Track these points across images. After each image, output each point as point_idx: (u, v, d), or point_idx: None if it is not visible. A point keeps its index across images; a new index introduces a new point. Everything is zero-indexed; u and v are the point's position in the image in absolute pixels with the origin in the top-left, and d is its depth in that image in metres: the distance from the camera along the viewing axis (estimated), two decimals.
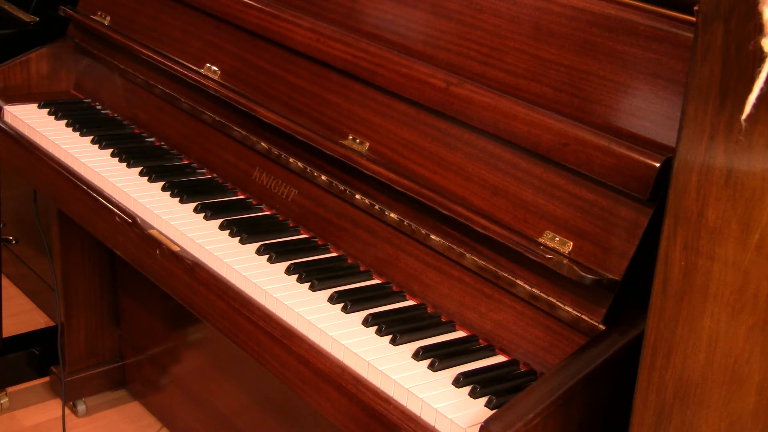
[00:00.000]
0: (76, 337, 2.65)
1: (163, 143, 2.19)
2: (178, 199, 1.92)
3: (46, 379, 2.74)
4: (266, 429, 2.20)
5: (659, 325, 1.13)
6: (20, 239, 2.94)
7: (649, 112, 1.44)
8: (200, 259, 1.73)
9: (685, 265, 1.09)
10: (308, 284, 1.62)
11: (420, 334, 1.51)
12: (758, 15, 0.98)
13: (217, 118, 2.05)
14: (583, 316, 1.41)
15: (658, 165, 1.34)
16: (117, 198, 1.95)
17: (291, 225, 1.84)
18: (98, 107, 2.39)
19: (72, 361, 2.66)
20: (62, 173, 2.08)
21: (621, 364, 1.32)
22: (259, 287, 1.61)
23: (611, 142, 1.41)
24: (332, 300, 1.58)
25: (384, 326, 1.50)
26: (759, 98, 1.00)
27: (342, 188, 1.77)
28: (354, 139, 1.77)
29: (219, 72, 2.07)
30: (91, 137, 2.18)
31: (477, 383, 1.38)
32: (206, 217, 1.85)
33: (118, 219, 1.91)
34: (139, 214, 1.89)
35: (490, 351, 1.50)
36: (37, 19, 2.56)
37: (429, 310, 1.60)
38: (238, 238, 1.77)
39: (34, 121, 2.25)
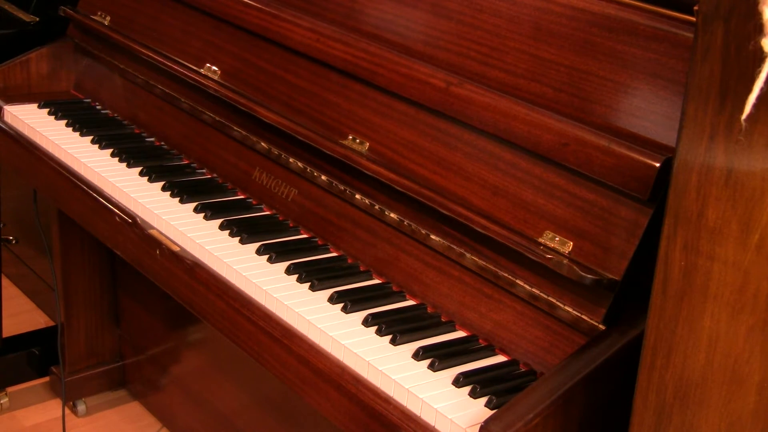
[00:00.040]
0: (76, 337, 2.65)
1: (163, 143, 2.19)
2: (178, 199, 1.92)
3: (46, 379, 2.74)
4: (266, 429, 2.20)
5: (659, 325, 1.13)
6: (20, 239, 2.94)
7: (649, 112, 1.44)
8: (200, 259, 1.73)
9: (685, 265, 1.09)
10: (308, 284, 1.62)
11: (420, 334, 1.51)
12: (758, 15, 0.98)
13: (217, 118, 2.05)
14: (583, 316, 1.41)
15: (658, 165, 1.34)
16: (117, 198, 1.95)
17: (291, 225, 1.84)
18: (98, 107, 2.39)
19: (72, 361, 2.66)
20: (62, 173, 2.08)
21: (621, 364, 1.32)
22: (259, 287, 1.61)
23: (611, 142, 1.41)
24: (332, 300, 1.58)
25: (384, 326, 1.50)
26: (759, 98, 1.00)
27: (342, 188, 1.77)
28: (354, 139, 1.77)
29: (219, 72, 2.07)
30: (91, 137, 2.18)
31: (477, 383, 1.38)
32: (206, 217, 1.85)
33: (118, 219, 1.91)
34: (139, 214, 1.89)
35: (490, 351, 1.50)
36: (37, 19, 2.56)
37: (429, 310, 1.60)
38: (238, 238, 1.77)
39: (34, 121, 2.25)
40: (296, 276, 1.64)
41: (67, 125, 2.25)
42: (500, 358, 1.49)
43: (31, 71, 2.43)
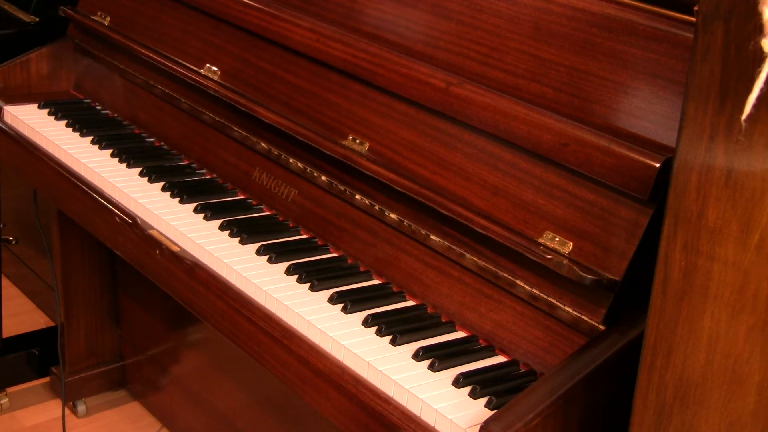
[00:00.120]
0: (76, 337, 2.65)
1: (163, 143, 2.19)
2: (178, 199, 1.92)
3: (46, 379, 2.74)
4: (266, 429, 2.20)
5: (659, 325, 1.13)
6: (20, 239, 2.94)
7: (649, 112, 1.44)
8: (200, 260, 1.73)
9: (685, 265, 1.09)
10: (308, 284, 1.62)
11: (420, 334, 1.51)
12: (758, 15, 0.98)
13: (217, 119, 2.05)
14: (583, 317, 1.41)
15: (658, 165, 1.34)
16: (117, 198, 1.95)
17: (291, 225, 1.84)
18: (98, 107, 2.39)
19: (72, 361, 2.66)
20: (62, 173, 2.08)
21: (621, 364, 1.32)
22: (259, 287, 1.61)
23: (611, 142, 1.41)
24: (332, 300, 1.58)
25: (384, 326, 1.50)
26: (759, 98, 1.00)
27: (342, 188, 1.77)
28: (354, 140, 1.77)
29: (219, 72, 2.07)
30: (91, 137, 2.18)
31: (477, 383, 1.38)
32: (206, 218, 1.85)
33: (118, 219, 1.91)
34: (139, 215, 1.89)
35: (490, 351, 1.50)
36: (37, 19, 2.56)
37: (429, 310, 1.60)
38: (238, 238, 1.77)
39: (34, 122, 2.25)
40: (296, 276, 1.64)
41: (67, 125, 2.25)
42: (500, 359, 1.49)
43: (31, 71, 2.43)
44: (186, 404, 2.49)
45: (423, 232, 1.62)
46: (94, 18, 2.40)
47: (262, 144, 1.94)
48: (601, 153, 1.41)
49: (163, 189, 1.96)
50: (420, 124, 1.68)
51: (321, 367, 1.46)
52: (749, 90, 1.00)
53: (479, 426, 1.23)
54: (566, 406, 1.26)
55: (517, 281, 1.49)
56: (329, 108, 1.84)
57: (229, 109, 2.02)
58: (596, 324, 1.39)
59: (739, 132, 1.02)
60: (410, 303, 1.62)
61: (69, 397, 2.66)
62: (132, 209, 1.91)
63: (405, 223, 1.65)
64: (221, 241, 1.76)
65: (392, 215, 1.68)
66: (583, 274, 1.38)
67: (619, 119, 1.47)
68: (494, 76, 1.64)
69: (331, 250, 1.77)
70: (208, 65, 2.10)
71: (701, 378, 1.10)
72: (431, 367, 1.42)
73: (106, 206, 1.94)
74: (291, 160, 1.88)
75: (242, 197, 1.96)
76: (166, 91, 2.18)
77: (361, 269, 1.70)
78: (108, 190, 1.98)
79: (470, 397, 1.36)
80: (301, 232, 1.83)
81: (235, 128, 2.00)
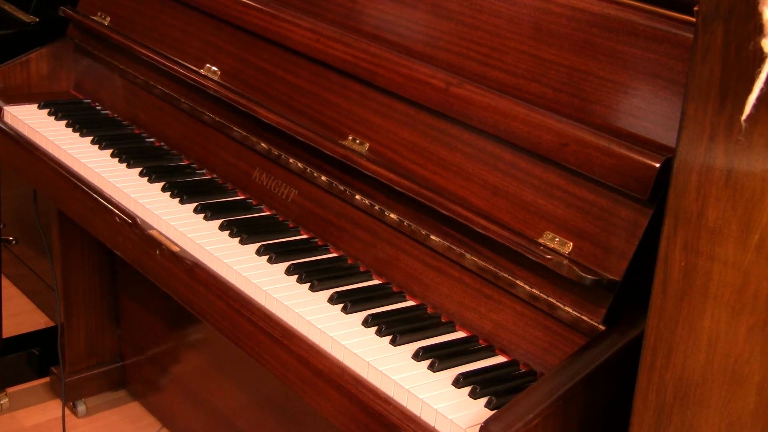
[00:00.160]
0: (76, 338, 2.65)
1: (163, 143, 2.19)
2: (178, 199, 1.92)
3: (46, 379, 2.74)
4: (266, 429, 2.20)
5: (659, 325, 1.13)
6: (20, 239, 2.94)
7: (649, 112, 1.44)
8: (200, 260, 1.73)
9: (685, 265, 1.09)
10: (308, 285, 1.62)
11: (420, 334, 1.51)
12: (758, 15, 0.98)
13: (217, 119, 2.05)
14: (583, 317, 1.41)
15: (658, 165, 1.34)
16: (117, 198, 1.95)
17: (291, 225, 1.84)
18: (98, 107, 2.39)
19: (72, 361, 2.66)
20: (62, 174, 2.08)
21: (621, 365, 1.32)
22: (259, 288, 1.61)
23: (611, 142, 1.41)
24: (332, 300, 1.58)
25: (384, 327, 1.50)
26: (759, 98, 1.00)
27: (342, 188, 1.77)
28: (354, 140, 1.77)
29: (219, 72, 2.07)
30: (91, 138, 2.18)
31: (477, 384, 1.38)
32: (206, 218, 1.85)
33: (118, 219, 1.91)
34: (139, 215, 1.89)
35: (490, 351, 1.50)
36: (37, 19, 2.56)
37: (429, 310, 1.60)
38: (238, 238, 1.77)
39: (34, 122, 2.25)
40: (296, 276, 1.64)
41: (67, 126, 2.25)
42: (500, 359, 1.49)
43: (31, 71, 2.43)
44: (186, 404, 2.49)
45: (423, 232, 1.62)
46: (94, 18, 2.40)
47: (262, 144, 1.94)
48: (601, 153, 1.41)
49: (163, 189, 1.96)
50: (420, 124, 1.68)
51: (321, 367, 1.46)
52: (749, 90, 1.00)
53: (479, 426, 1.23)
54: (566, 406, 1.26)
55: (517, 281, 1.49)
56: (329, 108, 1.84)
57: (229, 109, 2.02)
58: (596, 324, 1.39)
59: (739, 132, 1.02)
60: (410, 303, 1.62)
61: (69, 397, 2.66)
62: (132, 209, 1.91)
63: (405, 223, 1.65)
64: (221, 241, 1.77)
65: (392, 215, 1.68)
66: (583, 274, 1.38)
67: (619, 119, 1.47)
68: (494, 76, 1.64)
69: (331, 250, 1.77)
70: (208, 65, 2.10)
71: (701, 378, 1.10)
72: (431, 367, 1.42)
73: (106, 206, 1.94)
74: (291, 161, 1.88)
75: (242, 197, 1.96)
76: (166, 91, 2.18)
77: (361, 269, 1.70)
78: (108, 190, 1.98)
79: (470, 397, 1.36)
80: (301, 232, 1.83)
81: (235, 128, 2.00)
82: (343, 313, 1.55)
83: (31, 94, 2.43)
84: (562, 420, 1.26)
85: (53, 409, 2.67)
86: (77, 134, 2.20)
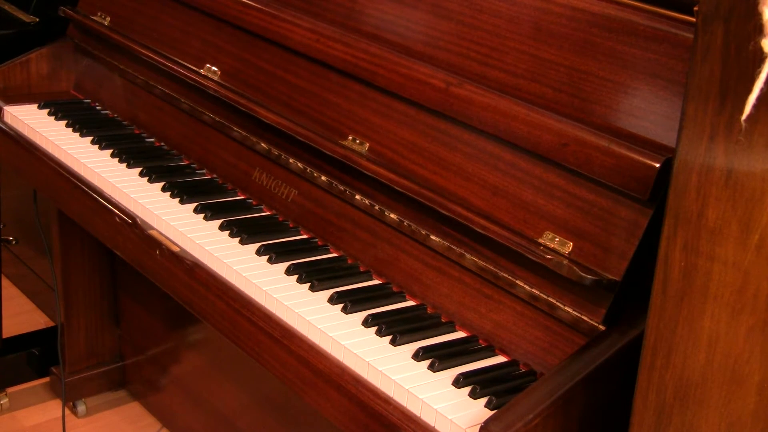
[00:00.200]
0: (76, 338, 2.65)
1: (163, 144, 2.19)
2: (178, 199, 1.92)
3: (46, 379, 2.74)
4: (266, 429, 2.20)
5: (659, 325, 1.13)
6: (20, 239, 2.94)
7: (649, 112, 1.44)
8: (200, 260, 1.73)
9: (685, 265, 1.09)
10: (308, 285, 1.62)
11: (420, 334, 1.51)
12: (758, 15, 0.98)
13: (217, 119, 2.05)
14: (583, 317, 1.41)
15: (658, 165, 1.34)
16: (117, 198, 1.95)
17: (291, 225, 1.84)
18: (98, 108, 2.39)
19: (72, 361, 2.66)
20: (62, 174, 2.08)
21: (621, 364, 1.32)
22: (259, 288, 1.61)
23: (611, 142, 1.41)
24: (332, 300, 1.58)
25: (384, 327, 1.50)
26: (759, 98, 1.00)
27: (342, 188, 1.77)
28: (354, 140, 1.77)
29: (219, 72, 2.07)
30: (91, 138, 2.18)
31: (477, 384, 1.38)
32: (206, 218, 1.85)
33: (118, 219, 1.91)
34: (139, 215, 1.89)
35: (490, 351, 1.50)
36: (37, 19, 2.56)
37: (429, 310, 1.60)
38: (238, 238, 1.77)
39: (34, 122, 2.25)
40: (296, 276, 1.64)
41: (67, 126, 2.25)
42: (500, 359, 1.49)
43: (31, 71, 2.43)
44: (186, 404, 2.49)
45: (423, 232, 1.62)
46: (94, 18, 2.40)
47: (262, 144, 1.94)
48: (601, 153, 1.41)
49: (163, 189, 1.96)
50: (420, 124, 1.68)
51: (321, 367, 1.46)
52: (749, 90, 1.00)
53: (479, 426, 1.23)
54: (566, 406, 1.26)
55: (517, 281, 1.49)
56: (329, 108, 1.84)
57: (229, 109, 2.02)
58: (596, 324, 1.39)
59: (739, 132, 1.02)
60: (410, 303, 1.62)
61: (69, 397, 2.66)
62: (132, 209, 1.91)
63: (405, 223, 1.65)
64: (221, 241, 1.77)
65: (392, 215, 1.68)
66: (583, 274, 1.38)
67: (619, 119, 1.47)
68: (494, 76, 1.64)
69: (331, 250, 1.77)
70: (208, 65, 2.10)
71: (701, 378, 1.10)
72: (431, 367, 1.42)
73: (106, 206, 1.94)
74: (291, 161, 1.88)
75: (242, 197, 1.96)
76: (166, 91, 2.18)
77: (361, 269, 1.70)
78: (108, 190, 1.98)
79: (470, 397, 1.36)
80: (301, 232, 1.83)
81: (235, 128, 2.00)
82: (343, 313, 1.55)
83: (31, 94, 2.43)
84: (562, 420, 1.26)
85: (53, 409, 2.67)
86: (77, 134, 2.20)
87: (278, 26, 1.96)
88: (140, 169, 2.03)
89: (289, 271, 1.66)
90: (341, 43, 1.83)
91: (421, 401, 1.35)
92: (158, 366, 2.59)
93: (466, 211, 1.55)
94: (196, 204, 1.89)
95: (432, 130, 1.66)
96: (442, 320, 1.57)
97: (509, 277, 1.50)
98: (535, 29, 1.61)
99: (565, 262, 1.41)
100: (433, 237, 1.61)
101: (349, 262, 1.73)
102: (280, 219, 1.87)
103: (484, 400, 1.36)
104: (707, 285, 1.07)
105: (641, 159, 1.36)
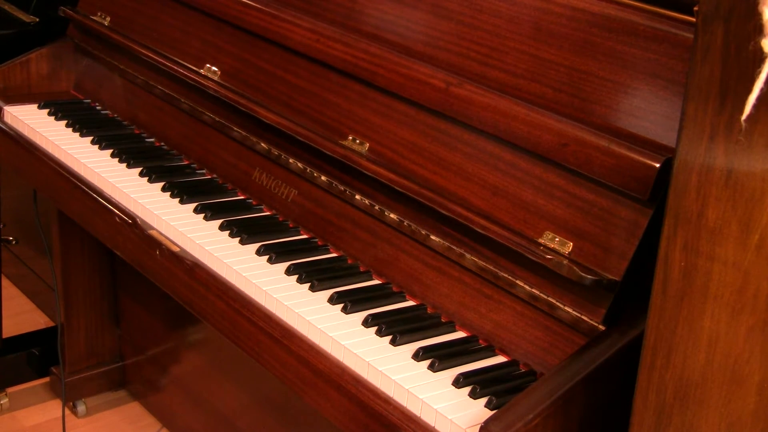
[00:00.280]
0: (76, 338, 2.65)
1: (163, 144, 2.19)
2: (178, 199, 1.92)
3: (46, 379, 2.74)
4: (266, 429, 2.20)
5: (659, 325, 1.13)
6: (20, 239, 2.94)
7: (648, 112, 1.44)
8: (200, 260, 1.73)
9: (685, 265, 1.09)
10: (308, 285, 1.62)
11: (420, 334, 1.51)
12: (758, 15, 0.98)
13: (217, 119, 2.05)
14: (583, 317, 1.41)
15: (658, 165, 1.34)
16: (117, 198, 1.95)
17: (291, 225, 1.84)
18: (98, 108, 2.39)
19: (72, 361, 2.66)
20: (62, 174, 2.08)
21: (621, 365, 1.32)
22: (259, 288, 1.61)
23: (611, 142, 1.41)
24: (332, 300, 1.58)
25: (384, 327, 1.50)
26: (759, 98, 1.00)
27: (342, 188, 1.77)
28: (354, 140, 1.77)
29: (219, 72, 2.07)
30: (91, 138, 2.18)
31: (477, 384, 1.38)
32: (206, 218, 1.85)
33: (118, 219, 1.91)
34: (139, 215, 1.89)
35: (490, 351, 1.50)
36: (37, 19, 2.56)
37: (429, 310, 1.60)
38: (238, 238, 1.77)
39: (34, 122, 2.25)
40: (296, 276, 1.64)
41: (67, 126, 2.25)
42: (500, 359, 1.49)
43: (31, 71, 2.43)
44: (186, 404, 2.49)
45: (423, 232, 1.62)
46: (94, 18, 2.40)
47: (262, 144, 1.94)
48: (601, 153, 1.41)
49: (163, 189, 1.96)
50: (420, 124, 1.68)
51: (321, 367, 1.46)
52: (749, 90, 1.00)
53: (479, 426, 1.23)
54: (566, 406, 1.26)
55: (517, 281, 1.49)
56: (329, 108, 1.84)
57: (229, 109, 2.02)
58: (596, 324, 1.39)
59: (739, 132, 1.02)
60: (410, 303, 1.62)
61: (69, 397, 2.66)
62: (132, 209, 1.91)
63: (405, 223, 1.65)
64: (221, 241, 1.77)
65: (392, 215, 1.68)
66: (583, 274, 1.38)
67: (619, 119, 1.47)
68: (494, 76, 1.64)
69: (331, 250, 1.77)
70: (208, 65, 2.10)
71: (701, 378, 1.10)
72: (431, 367, 1.42)
73: (106, 206, 1.94)
74: (291, 161, 1.88)
75: (242, 197, 1.96)
76: (166, 91, 2.19)
77: (361, 269, 1.70)
78: (108, 190, 1.98)
79: (470, 397, 1.36)
80: (301, 232, 1.83)
81: (235, 128, 2.00)
82: (343, 313, 1.55)
83: (31, 94, 2.43)
84: (562, 420, 1.26)
85: (53, 409, 2.67)
86: (77, 134, 2.20)
87: (278, 26, 1.96)
88: (140, 169, 2.03)
89: (289, 271, 1.66)
90: (341, 43, 1.83)
91: (421, 401, 1.35)
92: (158, 366, 2.59)
93: (466, 211, 1.55)
94: (196, 204, 1.89)
95: (432, 130, 1.66)
96: (442, 320, 1.57)
97: (509, 277, 1.50)
98: (535, 29, 1.61)
99: (565, 262, 1.41)
100: (433, 237, 1.61)
101: (349, 262, 1.73)
102: (280, 219, 1.87)
103: (484, 400, 1.36)
104: (707, 285, 1.07)
105: (641, 159, 1.36)
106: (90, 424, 2.66)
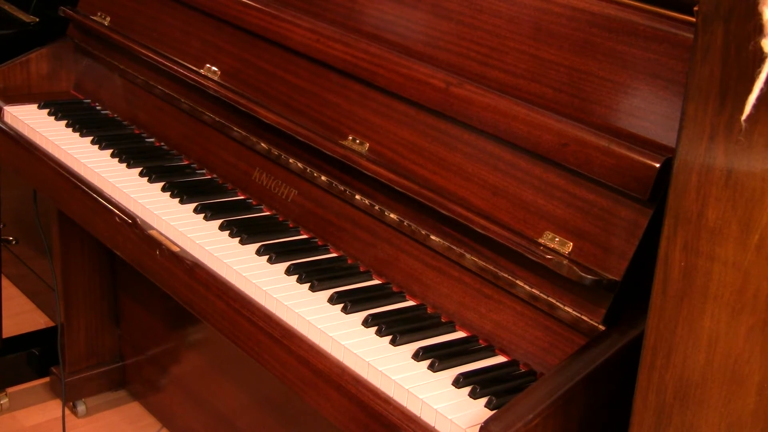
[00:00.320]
0: (76, 338, 2.65)
1: (163, 144, 2.19)
2: (178, 199, 1.92)
3: (46, 379, 2.74)
4: (266, 429, 2.20)
5: (659, 325, 1.13)
6: (20, 239, 2.94)
7: (648, 112, 1.44)
8: (200, 260, 1.73)
9: (685, 265, 1.09)
10: (308, 285, 1.62)
11: (420, 334, 1.51)
12: (758, 15, 0.98)
13: (217, 119, 2.05)
14: (583, 317, 1.41)
15: (658, 165, 1.34)
16: (117, 198, 1.95)
17: (291, 225, 1.84)
18: (98, 108, 2.39)
19: (72, 361, 2.66)
20: (62, 174, 2.08)
21: (621, 364, 1.32)
22: (259, 288, 1.61)
23: (611, 142, 1.41)
24: (332, 300, 1.58)
25: (384, 327, 1.50)
26: (759, 98, 1.00)
27: (342, 188, 1.77)
28: (354, 140, 1.77)
29: (219, 72, 2.07)
30: (91, 138, 2.18)
31: (477, 384, 1.38)
32: (206, 218, 1.85)
33: (118, 219, 1.91)
34: (139, 215, 1.89)
35: (490, 351, 1.50)
36: (37, 19, 2.56)
37: (429, 310, 1.60)
38: (238, 238, 1.77)
39: (34, 122, 2.25)
40: (296, 276, 1.64)
41: (67, 126, 2.25)
42: (500, 359, 1.49)
43: (31, 71, 2.43)
44: (186, 404, 2.49)
45: (423, 232, 1.62)
46: (94, 18, 2.40)
47: (262, 144, 1.94)
48: (601, 153, 1.41)
49: (163, 189, 1.96)
50: (420, 124, 1.68)
51: (321, 367, 1.46)
52: (749, 90, 1.00)
53: (479, 426, 1.23)
54: (566, 406, 1.26)
55: (517, 281, 1.49)
56: (329, 108, 1.84)
57: (229, 109, 2.02)
58: (596, 324, 1.39)
59: (739, 132, 1.02)
60: (410, 303, 1.62)
61: (69, 397, 2.66)
62: (132, 209, 1.91)
63: (405, 223, 1.65)
64: (221, 241, 1.76)
65: (392, 215, 1.68)
66: (583, 274, 1.38)
67: (619, 119, 1.47)
68: (494, 76, 1.64)
69: (331, 250, 1.77)
70: (208, 65, 2.10)
71: (701, 378, 1.10)
72: (431, 367, 1.42)
73: (106, 206, 1.94)
74: (291, 161, 1.88)
75: (242, 197, 1.96)
76: (166, 91, 2.19)
77: (361, 269, 1.70)
78: (108, 191, 1.98)
79: (470, 397, 1.36)
80: (301, 232, 1.83)
81: (235, 128, 2.00)
82: (343, 313, 1.55)
83: (31, 94, 2.43)
84: (562, 420, 1.26)
85: (53, 409, 2.67)
86: (77, 134, 2.20)
87: (278, 26, 1.96)
88: (140, 169, 2.03)
89: (289, 271, 1.66)
90: (341, 43, 1.83)
91: (421, 401, 1.35)
92: (158, 366, 2.59)
93: (466, 211, 1.55)
94: (196, 204, 1.89)
95: (432, 130, 1.66)
96: (442, 320, 1.57)
97: (509, 277, 1.50)
98: (535, 29, 1.61)
99: (565, 262, 1.41)
100: (433, 237, 1.61)
101: (349, 262, 1.73)
102: (280, 219, 1.87)
103: (484, 400, 1.36)
104: (707, 285, 1.07)
105: (641, 159, 1.36)
106: (90, 424, 2.66)
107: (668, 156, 1.34)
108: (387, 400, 1.38)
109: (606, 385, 1.33)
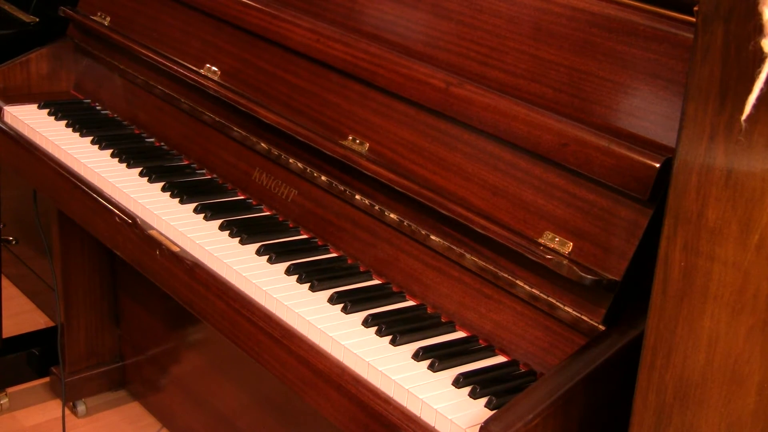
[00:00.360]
0: (76, 338, 2.65)
1: (163, 144, 2.19)
2: (178, 199, 1.92)
3: (46, 379, 2.74)
4: (266, 429, 2.20)
5: (659, 325, 1.13)
6: (20, 239, 2.94)
7: (648, 112, 1.44)
8: (200, 260, 1.73)
9: (685, 265, 1.09)
10: (308, 285, 1.62)
11: (420, 334, 1.51)
12: (758, 15, 0.98)
13: (217, 119, 2.05)
14: (583, 317, 1.41)
15: (658, 165, 1.34)
16: (117, 198, 1.95)
17: (291, 225, 1.84)
18: (98, 108, 2.39)
19: (72, 361, 2.66)
20: (62, 174, 2.08)
21: (621, 365, 1.32)
22: (259, 288, 1.61)
23: (611, 142, 1.41)
24: (332, 300, 1.58)
25: (384, 327, 1.50)
26: (759, 98, 1.00)
27: (342, 189, 1.77)
28: (354, 140, 1.77)
29: (219, 72, 2.07)
30: (91, 138, 2.18)
31: (477, 384, 1.38)
32: (206, 218, 1.85)
33: (118, 219, 1.91)
34: (139, 215, 1.89)
35: (490, 351, 1.50)
36: (37, 19, 2.56)
37: (429, 310, 1.60)
38: (238, 238, 1.77)
39: (34, 122, 2.25)
40: (296, 276, 1.64)
41: (67, 126, 2.25)
42: (500, 359, 1.49)
43: (31, 71, 2.43)
44: (186, 404, 2.49)
45: (423, 232, 1.62)
46: (94, 18, 2.40)
47: (262, 144, 1.94)
48: (601, 153, 1.41)
49: (163, 189, 1.96)
50: (420, 124, 1.68)
51: (321, 367, 1.46)
52: (749, 90, 1.00)
53: (479, 426, 1.23)
54: (566, 406, 1.26)
55: (517, 281, 1.49)
56: (329, 108, 1.84)
57: (229, 109, 2.02)
58: (596, 324, 1.39)
59: (739, 132, 1.02)
60: (410, 303, 1.62)
61: (69, 397, 2.66)
62: (132, 209, 1.91)
63: (405, 223, 1.65)
64: (221, 241, 1.76)
65: (392, 215, 1.68)
66: (583, 274, 1.38)
67: (619, 119, 1.47)
68: (494, 76, 1.64)
69: (331, 250, 1.77)
70: (208, 65, 2.10)
71: (701, 378, 1.10)
72: (431, 367, 1.42)
73: (106, 206, 1.94)
74: (291, 161, 1.88)
75: (242, 197, 1.96)
76: (166, 91, 2.19)
77: (361, 269, 1.70)
78: (108, 191, 1.98)
79: (470, 397, 1.36)
80: (301, 232, 1.83)
81: (235, 128, 2.00)
82: (343, 313, 1.55)
83: (31, 94, 2.43)
84: (562, 420, 1.26)
85: (53, 409, 2.67)
86: (77, 134, 2.20)
87: (278, 26, 1.96)
88: (140, 169, 2.03)
89: (289, 271, 1.66)
90: (341, 43, 1.83)
91: (421, 401, 1.35)
92: (158, 366, 2.59)
93: (466, 211, 1.55)
94: (196, 204, 1.89)
95: (432, 130, 1.66)
96: (442, 320, 1.57)
97: (509, 277, 1.50)
98: (535, 29, 1.61)
99: (565, 262, 1.41)
100: (433, 237, 1.61)
101: (349, 262, 1.73)
102: (280, 219, 1.87)
103: (484, 400, 1.36)
104: (707, 285, 1.07)
105: (641, 159, 1.36)
106: (90, 424, 2.66)
107: (668, 156, 1.34)
108: (387, 400, 1.38)
109: (606, 385, 1.33)
